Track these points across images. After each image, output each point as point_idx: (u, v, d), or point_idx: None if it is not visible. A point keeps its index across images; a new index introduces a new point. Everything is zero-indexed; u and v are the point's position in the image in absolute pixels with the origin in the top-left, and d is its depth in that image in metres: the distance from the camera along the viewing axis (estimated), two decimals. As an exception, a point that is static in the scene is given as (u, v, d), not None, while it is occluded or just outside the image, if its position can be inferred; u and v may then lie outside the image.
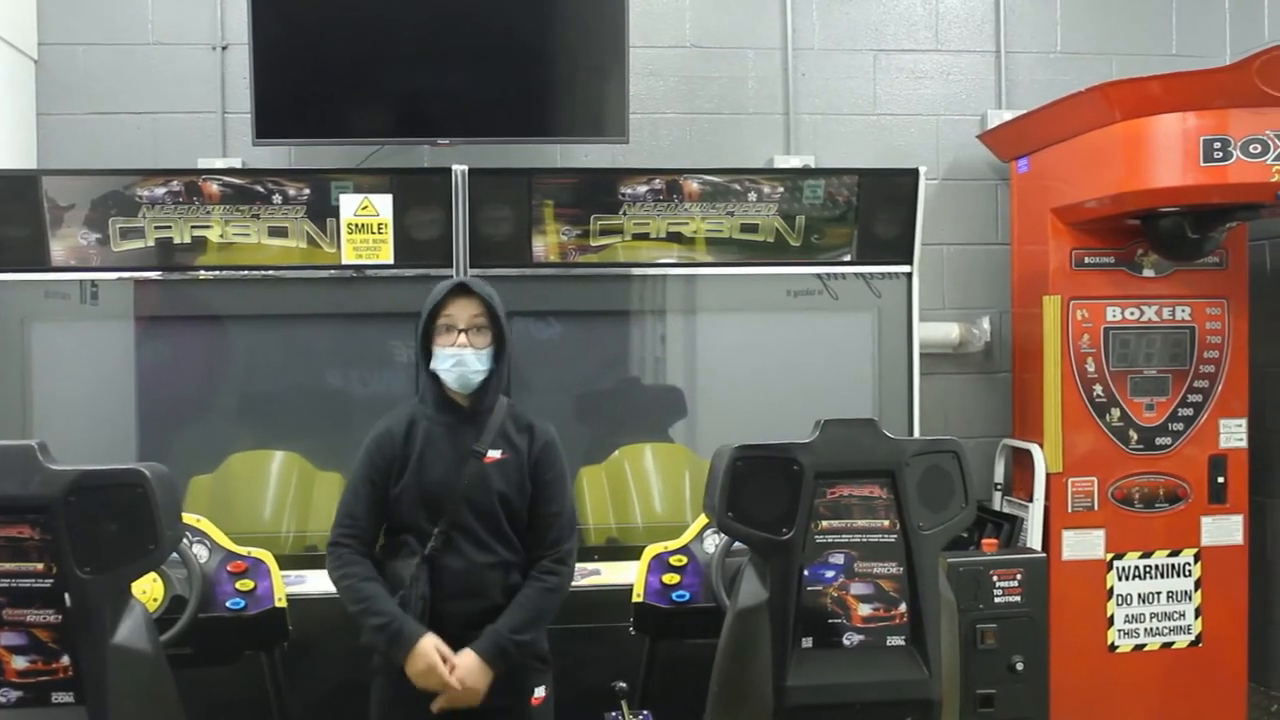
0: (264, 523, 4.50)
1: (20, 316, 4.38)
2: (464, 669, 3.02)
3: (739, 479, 2.80)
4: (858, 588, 2.83)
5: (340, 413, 4.63)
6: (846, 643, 2.83)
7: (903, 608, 2.83)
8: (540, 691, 3.23)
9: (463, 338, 3.16)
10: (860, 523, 2.83)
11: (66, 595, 2.47)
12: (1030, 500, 4.88)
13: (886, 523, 2.83)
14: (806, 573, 2.80)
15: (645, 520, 4.70)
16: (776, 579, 2.77)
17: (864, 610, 2.83)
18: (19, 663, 2.49)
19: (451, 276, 4.33)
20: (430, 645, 3.01)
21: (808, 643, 2.81)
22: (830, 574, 2.82)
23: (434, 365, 3.19)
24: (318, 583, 3.98)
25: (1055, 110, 4.77)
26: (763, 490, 2.80)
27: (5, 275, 4.33)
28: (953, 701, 2.89)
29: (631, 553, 4.28)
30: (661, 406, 4.87)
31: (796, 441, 2.81)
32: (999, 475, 5.20)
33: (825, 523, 2.81)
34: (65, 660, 2.49)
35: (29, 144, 4.86)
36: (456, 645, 3.08)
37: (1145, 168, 4.49)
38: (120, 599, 2.55)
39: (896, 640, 2.84)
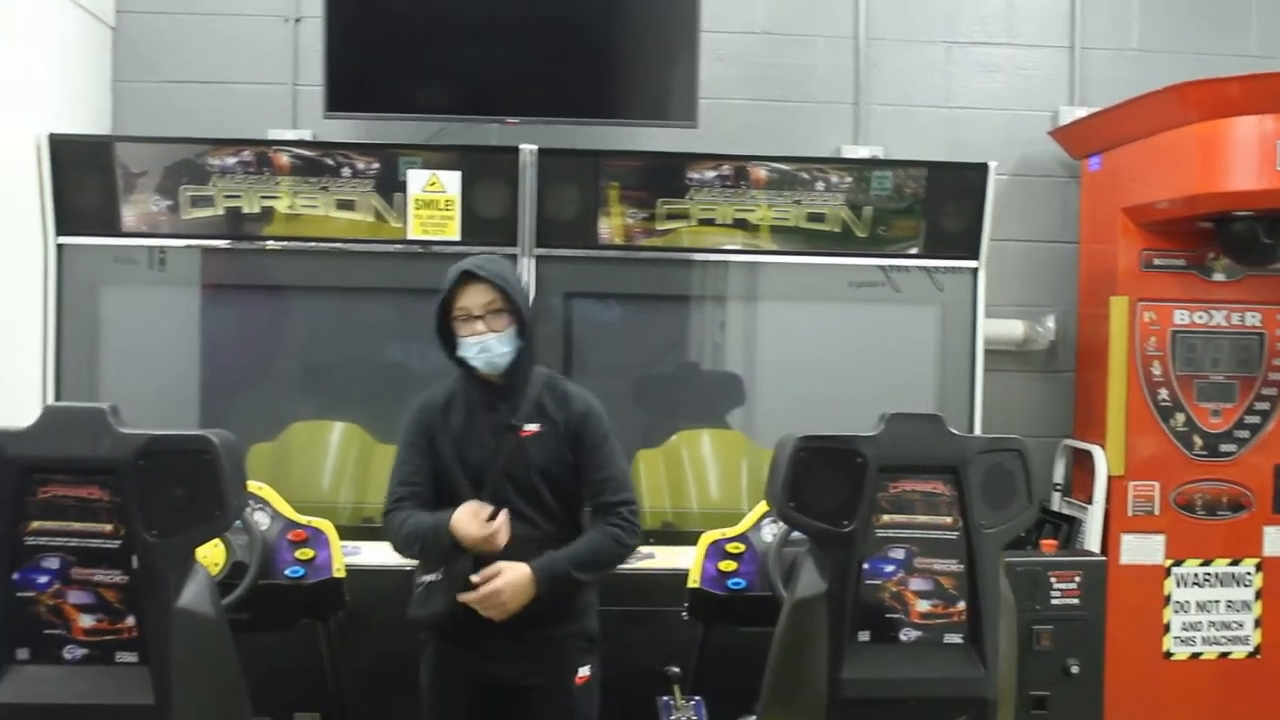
0: (322, 492, 4.55)
1: (90, 281, 4.43)
2: (512, 571, 3.02)
3: (802, 469, 2.78)
4: (917, 583, 2.81)
5: (400, 386, 4.64)
6: (903, 638, 2.81)
7: (961, 605, 2.81)
8: (585, 670, 3.22)
9: (481, 325, 3.15)
10: (922, 518, 2.80)
11: (133, 557, 2.50)
12: (1090, 502, 4.83)
13: (948, 519, 2.80)
14: (866, 566, 2.78)
15: (701, 506, 4.70)
16: (835, 571, 2.76)
17: (922, 606, 2.81)
18: (85, 621, 2.53)
19: (517, 255, 4.39)
20: (462, 513, 3.02)
21: (864, 636, 2.80)
22: (890, 568, 2.80)
23: (461, 354, 3.19)
24: (373, 554, 4.03)
25: (1130, 109, 4.70)
26: (825, 481, 2.78)
27: (77, 239, 4.38)
28: (1008, 702, 2.87)
29: (686, 538, 4.28)
30: (720, 393, 4.87)
31: (861, 434, 2.79)
32: (1058, 476, 5.15)
33: (887, 516, 2.79)
34: (130, 621, 2.53)
35: (104, 110, 4.92)
36: (495, 629, 3.09)
37: (1220, 170, 4.42)
38: (185, 563, 2.58)
39: (954, 638, 2.82)
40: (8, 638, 2.50)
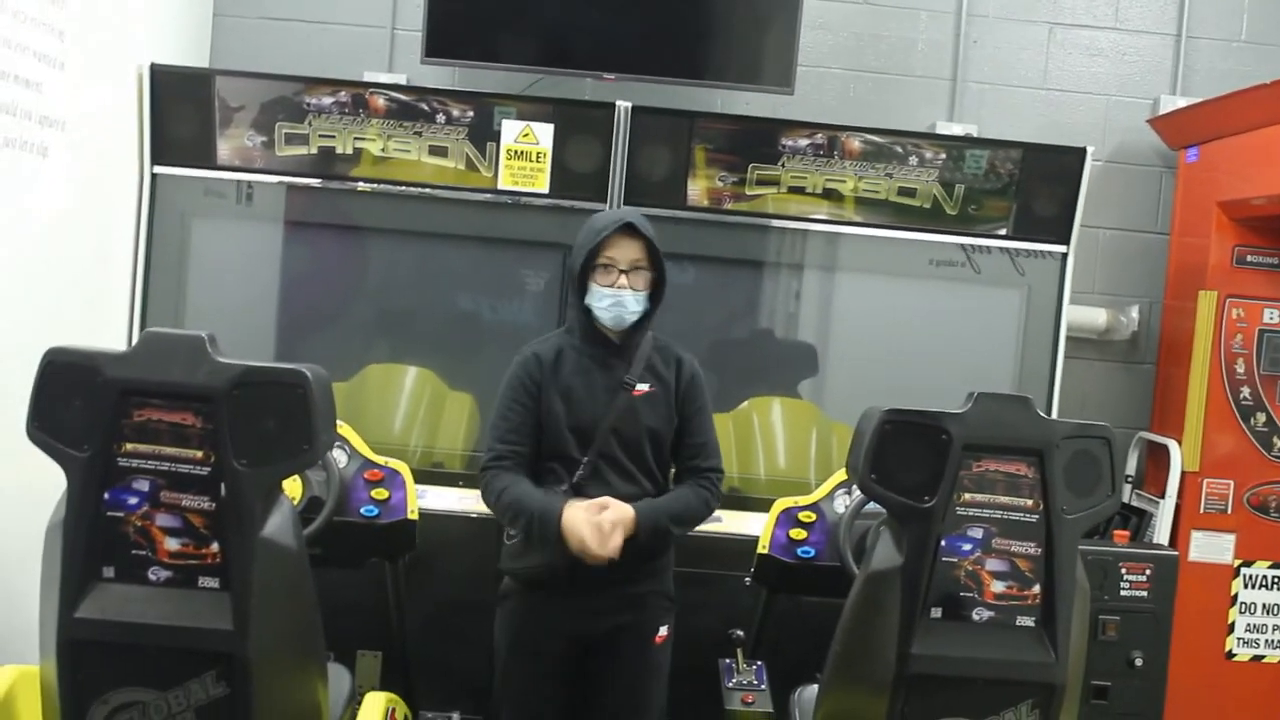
0: (394, 435, 4.60)
1: (182, 211, 4.48)
2: (618, 510, 3.05)
3: (886, 441, 2.76)
4: (993, 564, 2.78)
5: (477, 334, 4.71)
6: (976, 617, 2.79)
7: (1036, 589, 2.79)
8: (664, 630, 3.27)
9: (623, 279, 3.15)
10: (1003, 499, 2.77)
11: (222, 485, 2.54)
12: (1162, 496, 4.79)
13: (1030, 502, 2.77)
14: (943, 543, 2.77)
15: (768, 474, 4.70)
16: (912, 546, 2.74)
17: (997, 587, 2.79)
18: (171, 544, 2.56)
19: (604, 210, 4.36)
20: (577, 518, 3.01)
21: (937, 613, 2.77)
22: (967, 547, 2.78)
23: (590, 301, 3.18)
24: (440, 499, 4.09)
25: (1235, 100, 4.62)
26: (909, 455, 2.75)
27: (172, 170, 4.44)
28: (1075, 689, 2.84)
29: (752, 504, 4.30)
30: (794, 362, 4.86)
31: (948, 411, 2.77)
32: (1131, 468, 5.10)
33: (968, 495, 2.76)
34: (214, 547, 2.56)
35: (204, 43, 4.96)
36: (591, 576, 3.10)
37: (1323, 169, 4.34)
38: (271, 494, 2.60)
39: (1027, 621, 2.79)
40: (95, 555, 2.54)
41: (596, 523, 3.01)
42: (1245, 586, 4.81)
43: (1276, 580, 4.82)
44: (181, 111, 4.40)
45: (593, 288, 3.17)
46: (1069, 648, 2.79)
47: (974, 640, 2.79)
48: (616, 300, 3.14)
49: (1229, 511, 4.80)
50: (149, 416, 2.53)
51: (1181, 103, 5.09)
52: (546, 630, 3.18)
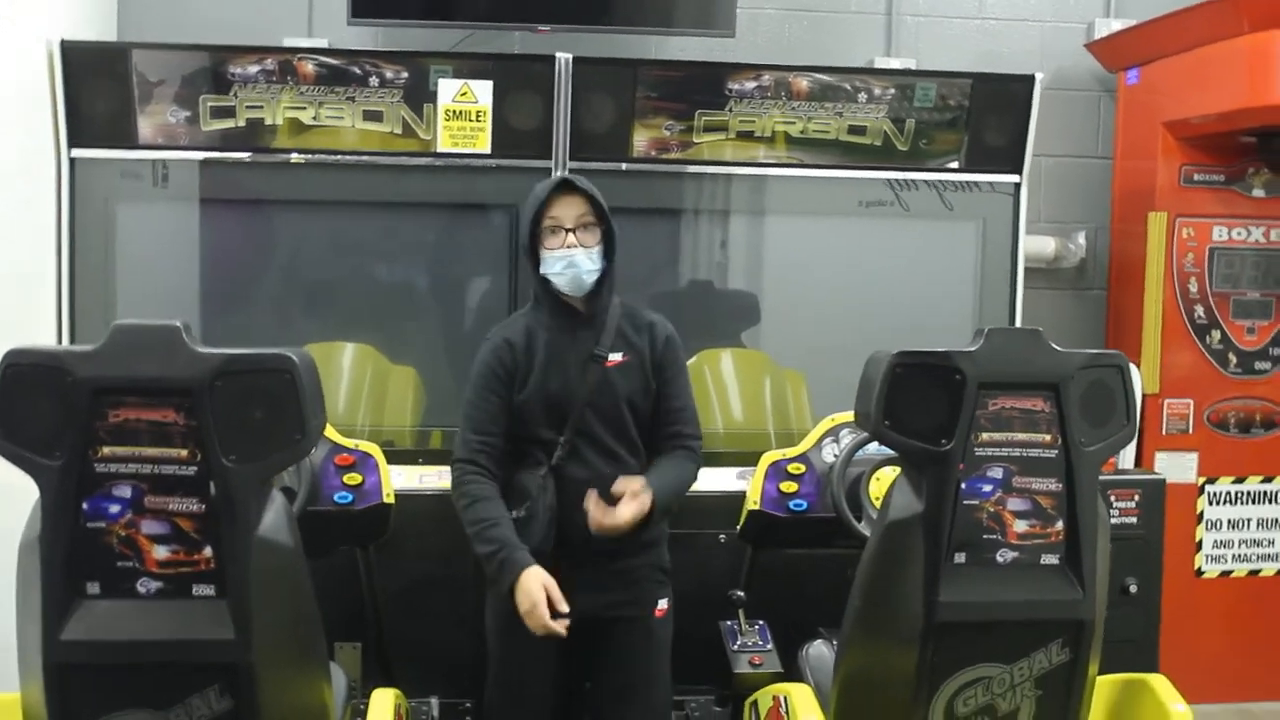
0: (339, 416, 4.40)
1: (105, 195, 4.23)
2: (643, 501, 2.92)
3: (897, 386, 2.66)
4: (1015, 503, 2.71)
5: (417, 305, 4.55)
6: (1000, 559, 2.71)
7: (1059, 525, 2.72)
8: (663, 604, 3.17)
9: (571, 237, 3.02)
10: (1021, 436, 2.69)
11: (211, 484, 2.36)
12: (1124, 420, 4.77)
13: (1048, 437, 2.70)
14: (963, 486, 2.68)
15: (726, 427, 4.60)
16: (932, 491, 2.65)
17: (1020, 527, 2.71)
18: (160, 552, 2.37)
19: (550, 169, 4.22)
20: (536, 583, 2.87)
21: (960, 558, 2.69)
22: (988, 488, 2.69)
23: (544, 270, 3.05)
24: (398, 478, 3.89)
25: (1175, 20, 4.60)
26: (922, 399, 2.65)
27: (91, 152, 4.17)
28: (1101, 623, 2.79)
29: (715, 459, 4.15)
30: (738, 312, 4.76)
31: (959, 349, 2.68)
32: (1091, 394, 5.08)
33: (985, 435, 2.68)
34: (207, 551, 2.38)
35: (109, 17, 4.68)
36: (580, 555, 3.00)
37: (1270, 83, 4.32)
38: (264, 490, 2.43)
39: (1051, 559, 2.72)
40: (77, 571, 2.35)
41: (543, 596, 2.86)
42: (1210, 504, 4.84)
43: (1240, 495, 4.85)
44: (98, 89, 4.11)
45: (544, 255, 3.04)
46: (1095, 583, 2.73)
47: (1000, 583, 2.72)
48: (569, 261, 3.01)
49: (1190, 431, 4.83)
50: (126, 416, 2.34)
51: (1117, 25, 5.07)
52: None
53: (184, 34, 4.54)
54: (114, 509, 2.36)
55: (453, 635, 3.75)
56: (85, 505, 2.35)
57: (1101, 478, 3.82)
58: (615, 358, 3.08)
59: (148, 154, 4.21)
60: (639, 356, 3.11)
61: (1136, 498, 3.89)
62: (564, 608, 2.86)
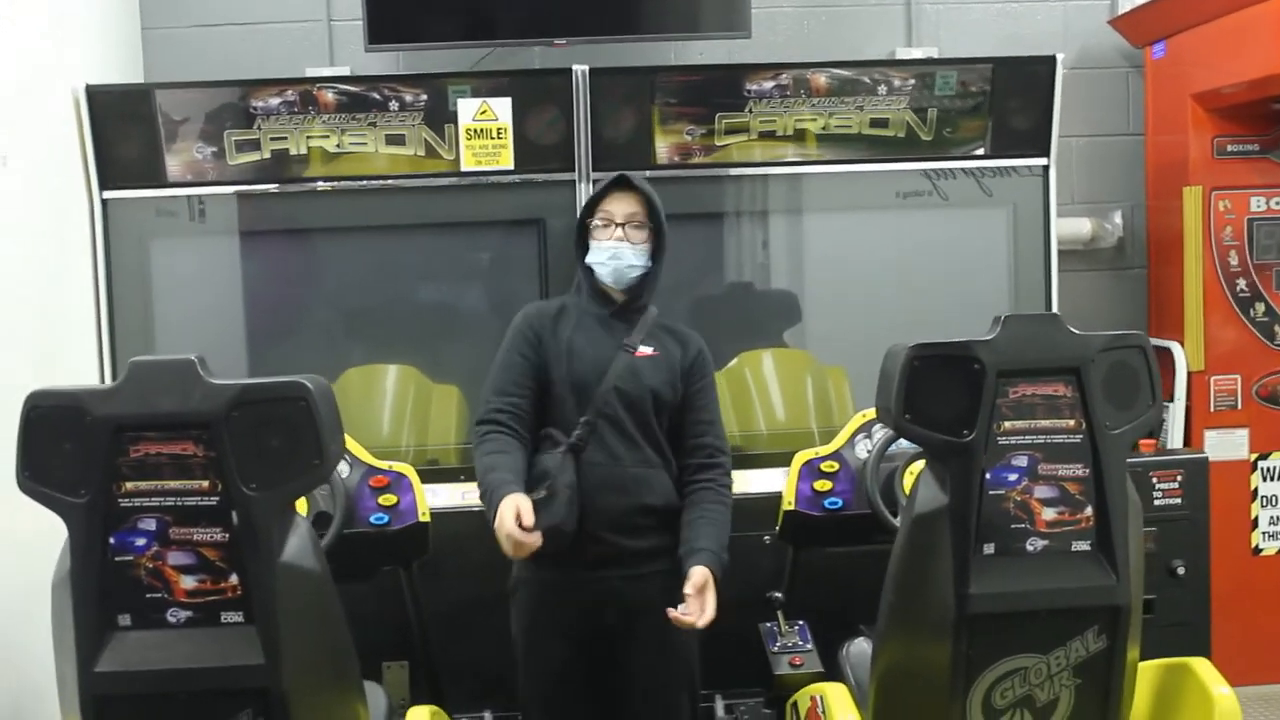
0: (383, 438, 4.45)
1: (138, 234, 4.31)
2: (710, 588, 2.93)
3: (916, 379, 2.65)
4: (1041, 491, 2.68)
5: (455, 324, 4.57)
6: (1030, 549, 2.69)
7: (1089, 511, 2.69)
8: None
9: (620, 231, 3.10)
10: (1044, 423, 2.67)
11: (233, 513, 2.39)
12: (1170, 400, 4.71)
13: (1071, 422, 2.67)
14: (988, 476, 2.66)
15: (769, 427, 4.59)
16: (957, 483, 2.63)
17: (1048, 514, 2.69)
18: (187, 582, 2.42)
19: (573, 181, 4.26)
20: (507, 505, 2.83)
21: (989, 549, 2.67)
22: (1013, 477, 2.67)
23: (589, 259, 3.13)
24: (441, 496, 3.93)
25: (1198, -11, 4.53)
26: (941, 390, 2.64)
27: (122, 193, 4.25)
28: (1138, 607, 2.75)
29: (755, 461, 4.19)
30: (779, 312, 4.74)
31: (976, 339, 2.66)
32: (1135, 374, 5.01)
33: (1008, 423, 2.66)
34: (234, 579, 2.42)
35: (135, 60, 4.77)
36: (602, 545, 3.03)
37: (1299, 47, 4.25)
38: (286, 516, 2.46)
39: (1082, 545, 2.69)
40: (109, 605, 2.40)
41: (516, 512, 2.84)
42: (1264, 479, 4.75)
43: (1294, 470, 4.77)
44: (125, 131, 4.20)
45: (592, 244, 3.14)
46: (1128, 567, 2.69)
47: (1031, 572, 2.70)
48: (614, 253, 3.09)
49: (1239, 406, 4.74)
50: (146, 451, 2.38)
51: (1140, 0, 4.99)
52: (559, 616, 3.10)
53: (209, 70, 4.61)
54: (140, 542, 2.40)
55: (501, 650, 3.74)
56: (112, 540, 2.40)
57: (1142, 459, 3.84)
58: (645, 350, 3.12)
59: (177, 191, 4.28)
60: (669, 357, 3.14)
61: (1179, 478, 3.84)
62: (528, 521, 2.81)
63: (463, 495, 4.01)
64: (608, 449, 3.04)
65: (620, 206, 3.13)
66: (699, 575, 2.92)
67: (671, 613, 2.87)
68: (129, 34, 4.74)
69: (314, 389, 2.43)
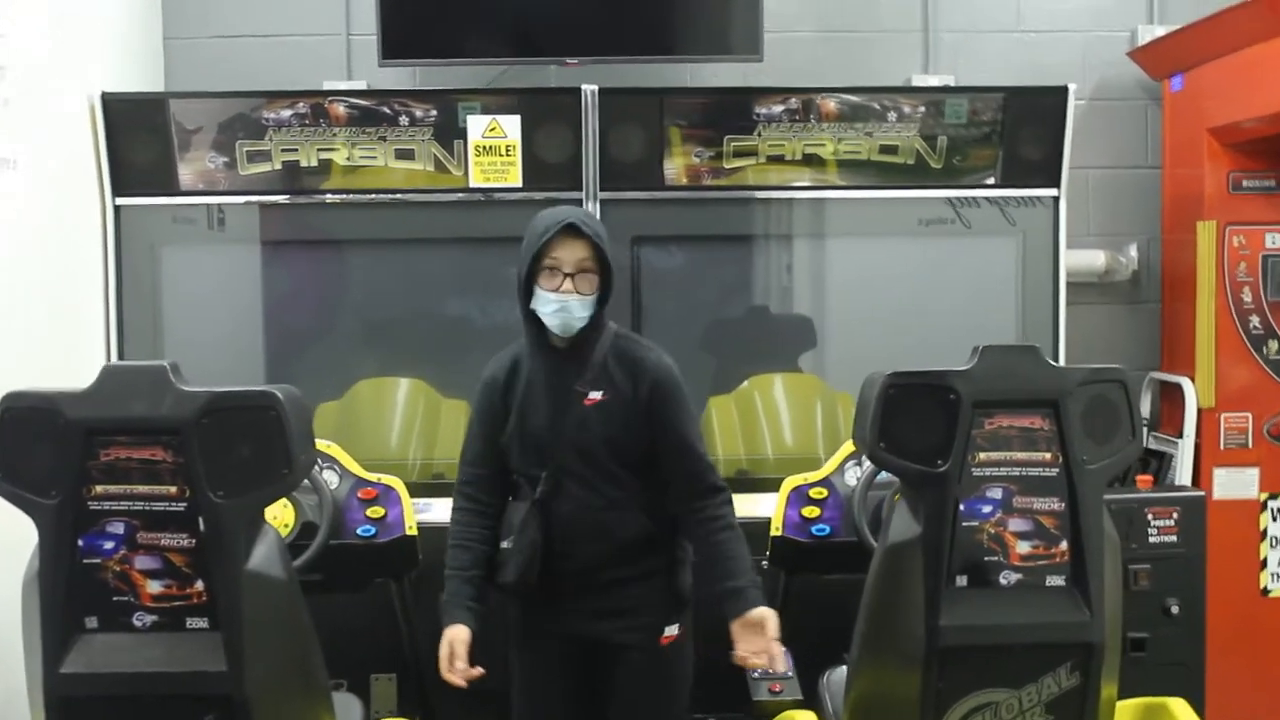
0: (390, 450, 4.48)
1: (150, 241, 4.36)
2: (772, 632, 2.91)
3: (892, 407, 2.64)
4: (1016, 524, 2.67)
5: (465, 339, 4.58)
6: (1003, 582, 2.67)
7: (1064, 545, 2.67)
8: (671, 630, 3.09)
9: (568, 283, 2.94)
10: (1020, 455, 2.66)
11: (200, 519, 2.42)
12: (1179, 436, 4.67)
13: (1048, 455, 2.66)
14: (962, 507, 2.65)
15: (776, 452, 4.58)
16: (930, 514, 2.62)
17: (1022, 548, 2.67)
18: (154, 587, 2.44)
19: (581, 200, 4.26)
20: (445, 641, 2.98)
21: (962, 581, 2.66)
22: (987, 509, 2.66)
23: (535, 306, 2.99)
24: (443, 511, 3.93)
25: (1215, 22, 4.48)
26: (917, 419, 2.63)
27: (135, 200, 4.31)
28: (1114, 645, 2.72)
29: (762, 485, 4.18)
30: (791, 336, 4.74)
31: (953, 369, 2.65)
32: (1146, 410, 4.96)
33: (983, 455, 2.65)
34: (199, 585, 2.44)
35: (157, 70, 4.83)
36: (575, 591, 3.02)
37: (1314, 83, 4.21)
38: (254, 524, 2.49)
39: (1057, 580, 2.67)
40: (76, 606, 2.43)
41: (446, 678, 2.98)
42: (1274, 519, 4.69)
43: (1305, 511, 4.70)
44: (139, 139, 4.27)
45: (538, 292, 2.97)
46: (1104, 604, 2.67)
47: (1003, 606, 2.69)
48: (562, 306, 2.95)
49: (1250, 445, 4.68)
50: (117, 455, 2.41)
51: (1160, 32, 4.96)
52: (545, 638, 3.10)
53: (229, 80, 4.66)
54: (108, 545, 2.43)
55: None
56: (81, 542, 2.43)
57: (1137, 495, 3.81)
58: (595, 396, 3.01)
59: (188, 200, 4.33)
60: (621, 397, 3.02)
61: (1175, 515, 3.78)
62: (460, 664, 2.95)
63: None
64: (573, 498, 3.00)
65: (569, 254, 2.95)
66: (754, 616, 2.91)
67: (746, 659, 2.91)
68: (151, 44, 4.80)
69: (284, 398, 2.46)
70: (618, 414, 3.01)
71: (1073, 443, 2.66)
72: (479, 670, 2.95)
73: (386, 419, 4.60)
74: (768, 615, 2.90)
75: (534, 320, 3.03)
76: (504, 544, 3.03)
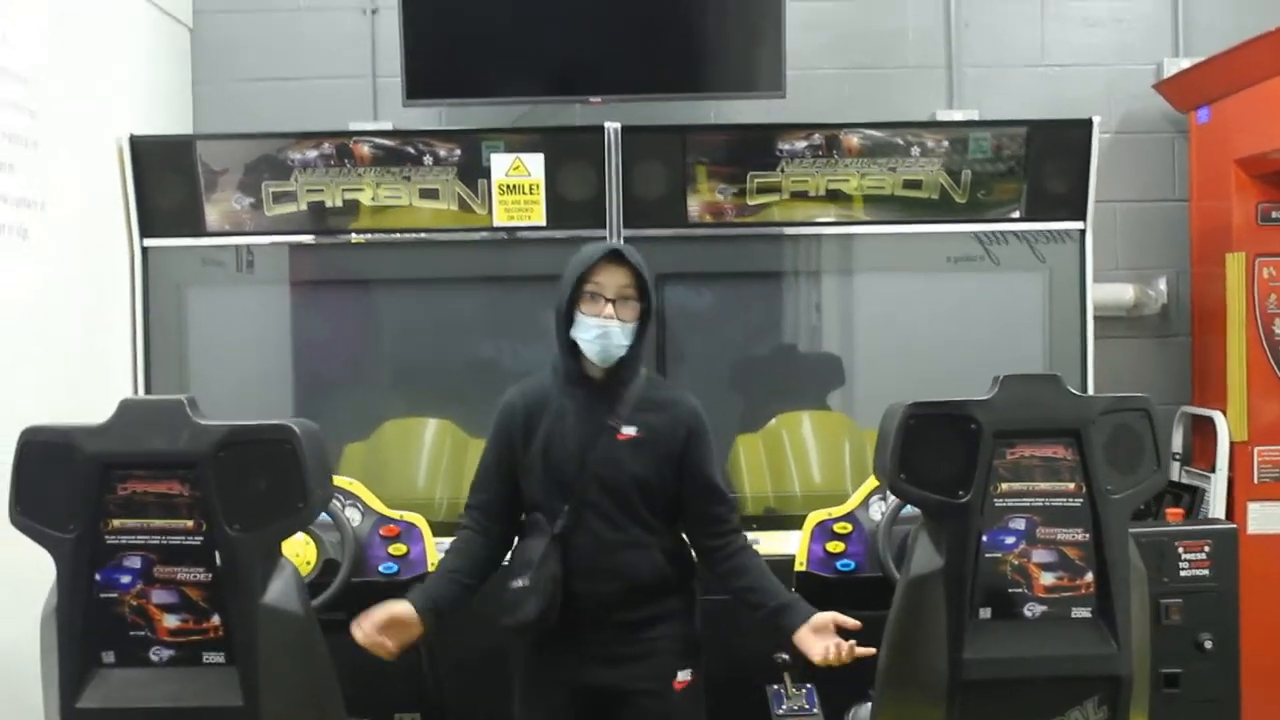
0: (418, 491, 4.46)
1: (177, 282, 4.39)
2: (832, 632, 2.87)
3: (912, 438, 2.63)
4: (1040, 555, 2.64)
5: (492, 379, 4.55)
6: (1028, 614, 2.64)
7: (1089, 577, 2.64)
8: (684, 675, 3.03)
9: (609, 309, 2.93)
10: (1043, 485, 2.63)
11: (216, 553, 2.42)
12: (1212, 470, 4.61)
13: (1071, 485, 2.63)
14: (985, 539, 2.62)
15: (804, 490, 4.55)
16: (953, 545, 2.60)
17: (1047, 579, 2.64)
18: (170, 621, 2.46)
19: (605, 238, 4.26)
20: (383, 606, 2.88)
21: (986, 613, 2.63)
22: (1010, 540, 2.64)
23: (575, 333, 2.97)
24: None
25: (1241, 53, 4.46)
26: (938, 450, 2.62)
27: (162, 241, 4.35)
28: (1143, 678, 2.68)
29: (790, 522, 4.13)
30: (819, 375, 4.72)
31: (974, 398, 2.63)
32: (1177, 444, 4.90)
33: (1005, 485, 2.63)
34: (216, 620, 2.45)
35: (185, 112, 4.88)
36: (594, 626, 2.96)
37: (1342, 112, 4.18)
38: (270, 558, 2.49)
39: (1082, 612, 2.64)
40: (93, 640, 2.43)
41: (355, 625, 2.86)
42: (1310, 554, 4.62)
43: (1342, 545, 4.62)
44: (166, 181, 4.31)
45: (579, 318, 2.96)
46: (1130, 636, 2.63)
47: (1028, 638, 2.66)
48: (603, 331, 2.93)
49: (1284, 478, 4.62)
50: (133, 489, 2.43)
51: (1186, 64, 4.93)
52: (553, 683, 3.02)
53: (257, 123, 4.69)
54: (125, 579, 2.45)
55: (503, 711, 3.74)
56: (98, 576, 2.44)
57: (1168, 529, 3.76)
58: (629, 432, 2.98)
59: (215, 240, 4.36)
60: (654, 437, 3.00)
61: (1207, 549, 3.73)
62: (369, 626, 2.83)
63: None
64: (593, 533, 2.95)
65: (611, 279, 2.95)
66: (819, 620, 2.89)
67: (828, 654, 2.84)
68: (179, 86, 4.85)
69: (300, 432, 2.46)
70: (650, 453, 2.98)
71: (1096, 472, 2.63)
72: (389, 645, 2.85)
73: (413, 459, 4.59)
74: (831, 615, 2.88)
75: (571, 351, 3.01)
76: (516, 583, 2.94)
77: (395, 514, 3.64)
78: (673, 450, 3.00)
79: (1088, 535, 2.64)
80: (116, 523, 2.43)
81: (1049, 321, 4.54)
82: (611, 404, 2.99)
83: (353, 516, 3.57)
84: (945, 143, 4.38)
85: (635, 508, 2.97)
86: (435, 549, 3.62)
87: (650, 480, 2.98)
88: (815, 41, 5.00)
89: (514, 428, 3.03)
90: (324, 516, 3.50)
